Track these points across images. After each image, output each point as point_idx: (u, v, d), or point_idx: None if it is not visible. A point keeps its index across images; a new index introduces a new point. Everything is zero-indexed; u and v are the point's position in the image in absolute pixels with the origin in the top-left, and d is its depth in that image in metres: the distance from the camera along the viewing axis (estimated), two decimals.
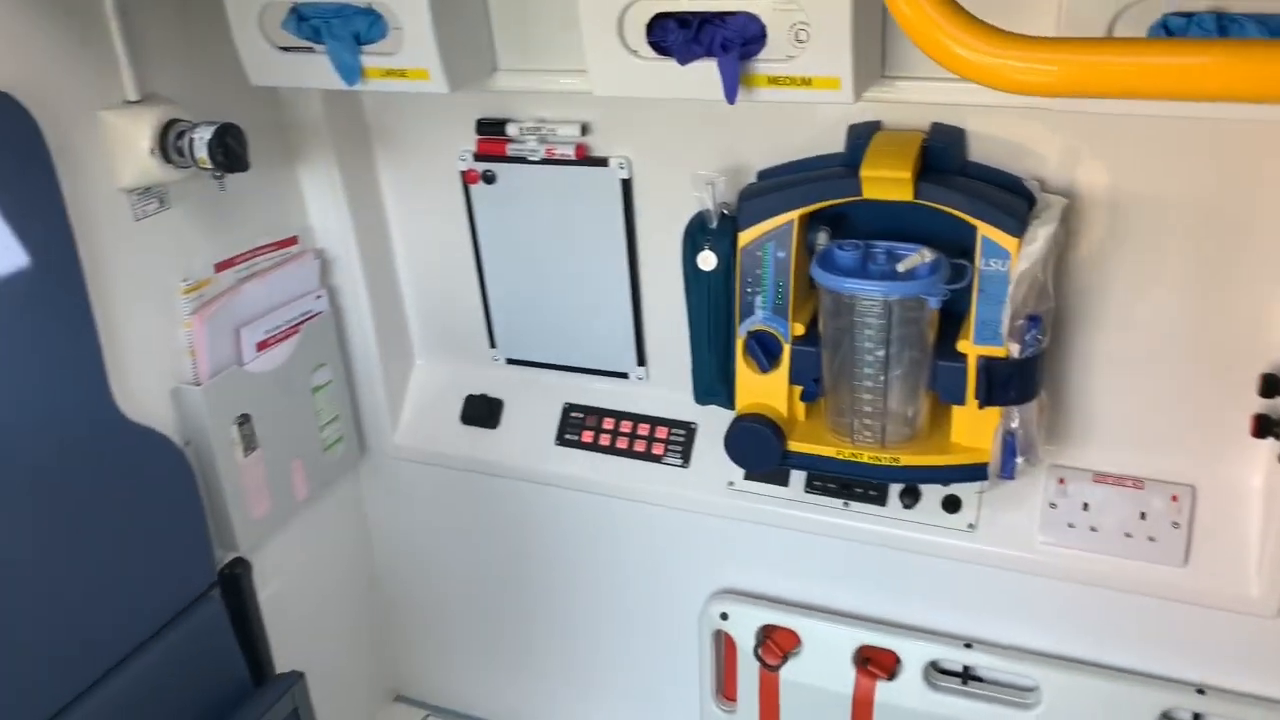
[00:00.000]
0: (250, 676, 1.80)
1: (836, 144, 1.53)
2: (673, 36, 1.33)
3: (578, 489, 1.91)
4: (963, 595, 1.71)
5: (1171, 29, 1.15)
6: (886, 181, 1.40)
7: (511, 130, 1.73)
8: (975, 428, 1.50)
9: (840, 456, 1.55)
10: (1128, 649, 1.64)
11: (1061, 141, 1.44)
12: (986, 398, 1.44)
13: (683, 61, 1.33)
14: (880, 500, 1.70)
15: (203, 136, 1.46)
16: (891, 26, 1.32)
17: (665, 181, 1.68)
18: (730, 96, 1.31)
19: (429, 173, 1.85)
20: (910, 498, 1.67)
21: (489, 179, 1.80)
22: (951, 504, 1.66)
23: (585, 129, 1.69)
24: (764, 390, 1.58)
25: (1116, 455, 1.58)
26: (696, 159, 1.63)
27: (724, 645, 1.90)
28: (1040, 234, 1.36)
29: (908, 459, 1.52)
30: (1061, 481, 1.61)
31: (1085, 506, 1.59)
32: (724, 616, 1.85)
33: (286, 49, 1.55)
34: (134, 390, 1.59)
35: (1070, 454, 1.61)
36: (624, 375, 1.88)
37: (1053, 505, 1.61)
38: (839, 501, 1.72)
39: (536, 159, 1.73)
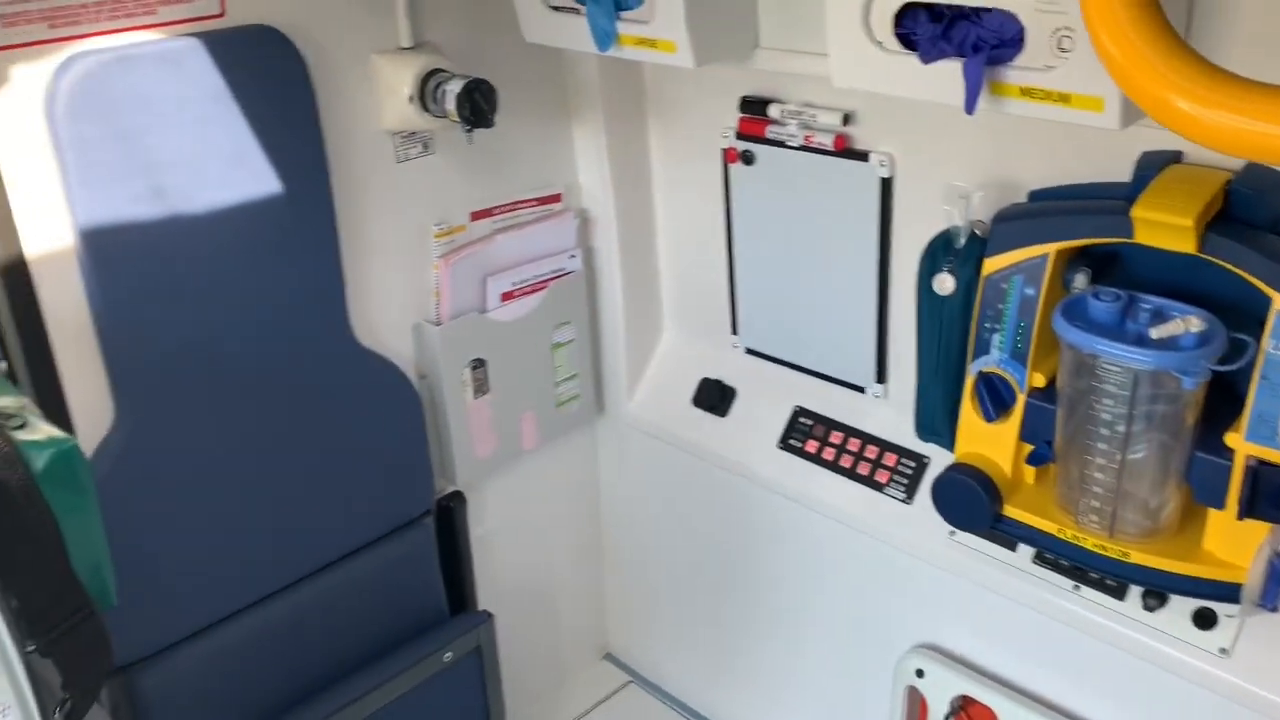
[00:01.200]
0: (448, 607, 1.88)
1: (1127, 171, 1.28)
2: (921, 30, 1.17)
3: (791, 498, 1.80)
4: None
5: None
6: (1162, 227, 1.15)
7: (773, 111, 1.62)
8: (1235, 540, 1.22)
9: (1061, 535, 1.33)
10: None
11: None
12: (1249, 508, 1.16)
13: (926, 59, 1.16)
14: (1118, 594, 1.44)
15: (453, 89, 1.50)
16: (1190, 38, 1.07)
17: (929, 187, 1.50)
18: (969, 106, 1.12)
19: (694, 146, 1.78)
20: (1155, 600, 1.40)
21: (748, 159, 1.70)
22: (1204, 619, 1.37)
23: (848, 119, 1.55)
24: (988, 441, 1.39)
25: None
26: (963, 166, 1.44)
27: (917, 704, 1.72)
28: None
29: (1140, 556, 1.27)
30: None
31: None
32: (920, 673, 1.67)
33: (557, 8, 1.54)
34: (377, 321, 1.69)
35: None
36: (860, 389, 1.74)
37: None
38: (1069, 583, 1.48)
39: (795, 144, 1.61)
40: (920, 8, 1.17)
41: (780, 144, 1.64)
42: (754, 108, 1.65)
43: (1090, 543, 1.30)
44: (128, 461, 1.43)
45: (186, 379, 1.46)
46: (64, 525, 1.05)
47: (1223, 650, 1.35)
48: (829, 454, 1.77)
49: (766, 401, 1.86)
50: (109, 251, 1.35)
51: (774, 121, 1.63)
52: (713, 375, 1.93)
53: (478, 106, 1.50)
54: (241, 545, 1.57)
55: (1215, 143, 0.65)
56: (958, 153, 1.45)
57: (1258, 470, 1.15)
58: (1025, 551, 1.52)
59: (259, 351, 1.53)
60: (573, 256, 1.90)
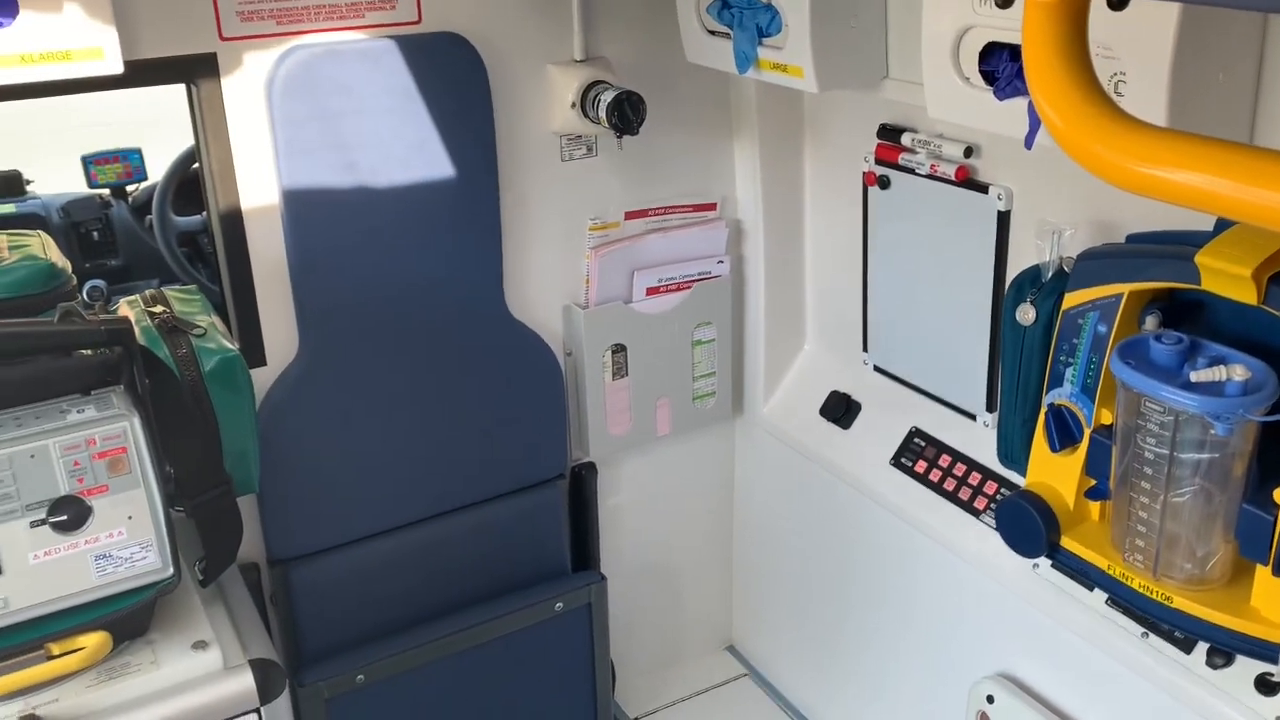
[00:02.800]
0: (571, 567, 2.08)
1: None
2: (1001, 68, 1.24)
3: (896, 514, 1.86)
4: None
5: None
6: (1224, 275, 1.17)
7: (905, 140, 1.70)
8: (1275, 595, 1.20)
9: (1110, 571, 1.34)
10: None
11: None
12: None
13: (1000, 97, 1.23)
14: (1185, 648, 1.42)
15: (606, 98, 1.69)
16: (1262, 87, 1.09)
17: (1076, 232, 1.54)
18: (1028, 142, 1.19)
19: (840, 168, 1.89)
20: (1221, 659, 1.38)
21: (884, 184, 1.79)
22: (1266, 685, 1.34)
23: (969, 151, 1.61)
24: (1054, 472, 1.42)
25: None
26: (1072, 204, 1.48)
27: None
28: None
29: (1183, 602, 1.27)
30: None
31: None
32: (990, 699, 1.70)
33: (713, 32, 1.70)
34: (530, 299, 1.91)
35: None
36: (972, 416, 1.78)
37: None
38: (1139, 630, 1.47)
39: (923, 172, 1.69)
40: (1003, 48, 1.24)
41: (911, 171, 1.72)
42: (890, 135, 1.74)
43: (1136, 582, 1.31)
44: (305, 388, 1.72)
45: (359, 326, 1.73)
46: (221, 417, 1.31)
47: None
48: (935, 475, 1.82)
49: (886, 419, 1.93)
50: (305, 211, 1.64)
51: (906, 149, 1.71)
52: (841, 389, 2.02)
53: (625, 115, 1.68)
54: (394, 475, 1.83)
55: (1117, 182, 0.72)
56: (1068, 191, 1.48)
57: None
58: (1100, 595, 1.53)
59: (422, 311, 1.78)
60: (720, 262, 2.04)
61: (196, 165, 2.79)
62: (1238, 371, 1.15)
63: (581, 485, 2.07)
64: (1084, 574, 1.41)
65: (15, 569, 1.13)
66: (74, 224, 2.84)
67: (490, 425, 1.90)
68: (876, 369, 1.96)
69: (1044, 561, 1.59)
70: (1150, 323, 1.29)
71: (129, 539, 1.19)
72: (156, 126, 3.05)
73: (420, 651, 1.83)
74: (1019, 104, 1.22)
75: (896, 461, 1.88)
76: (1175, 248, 1.26)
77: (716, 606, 2.42)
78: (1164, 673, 1.44)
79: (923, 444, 1.86)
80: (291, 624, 1.81)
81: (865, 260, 1.90)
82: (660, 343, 2.03)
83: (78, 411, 1.16)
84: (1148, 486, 1.26)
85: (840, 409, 2.00)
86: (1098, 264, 1.34)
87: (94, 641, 1.18)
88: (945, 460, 1.81)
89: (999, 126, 1.26)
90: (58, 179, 3.14)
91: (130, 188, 3.05)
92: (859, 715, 2.10)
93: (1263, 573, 1.22)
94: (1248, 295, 1.16)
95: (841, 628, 2.10)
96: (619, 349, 1.99)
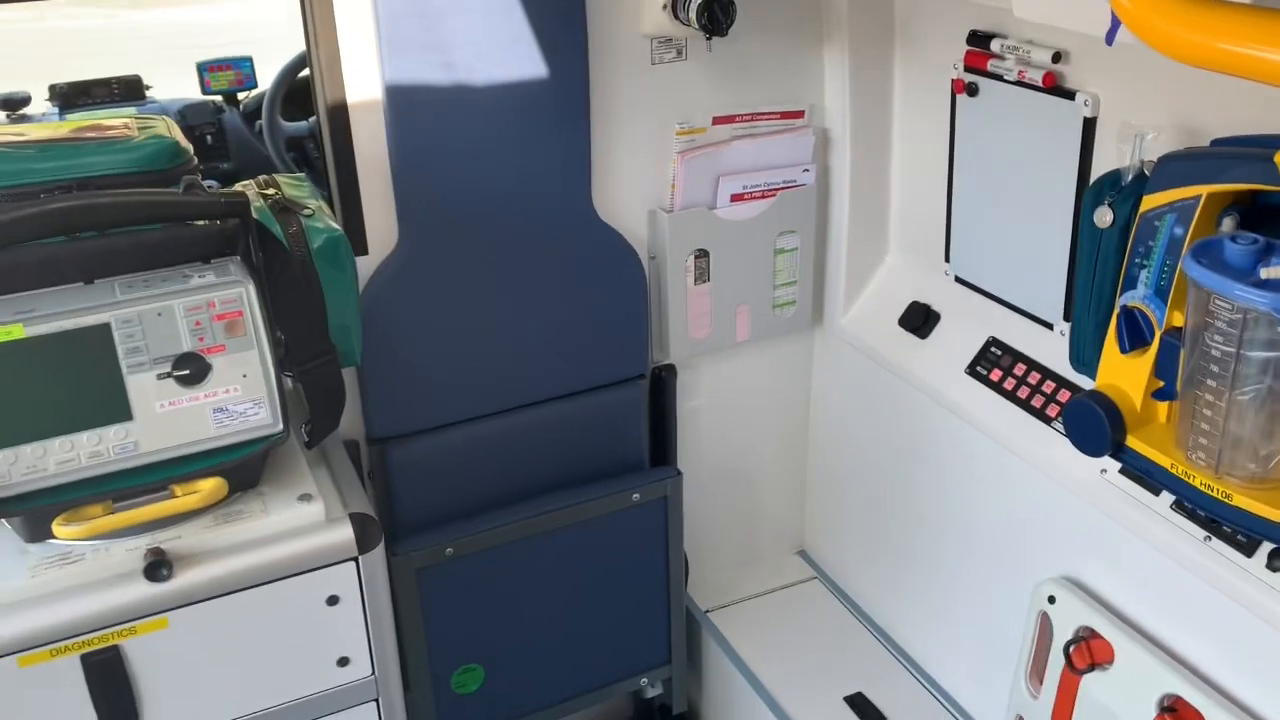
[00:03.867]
0: (649, 463, 2.16)
1: None
2: None
3: (968, 421, 1.90)
4: None
5: None
6: None
7: (995, 46, 1.71)
8: None
9: (1173, 470, 1.37)
10: None
11: None
12: None
13: None
14: (1247, 551, 1.45)
15: (696, 1, 1.72)
16: None
17: (1159, 135, 1.54)
18: (1109, 38, 1.19)
19: (930, 76, 1.90)
20: None
21: (972, 91, 1.80)
22: None
23: (1058, 57, 1.61)
24: (1124, 373, 1.44)
25: None
26: (1160, 109, 1.48)
27: (1047, 629, 1.78)
28: None
29: (1243, 499, 1.29)
30: None
31: None
32: (1051, 600, 1.74)
33: None
34: (617, 201, 1.97)
35: None
36: (1049, 325, 1.79)
37: None
38: (1201, 533, 1.50)
39: (1010, 79, 1.69)
40: None
41: (999, 78, 1.72)
42: (979, 41, 1.74)
43: (1198, 480, 1.34)
44: (403, 278, 1.82)
45: (453, 222, 1.82)
46: (326, 292, 1.41)
47: None
48: (1009, 384, 1.84)
49: (964, 329, 1.95)
50: (406, 108, 1.72)
51: (995, 56, 1.71)
52: (922, 299, 2.05)
53: (714, 16, 1.71)
54: (484, 365, 1.93)
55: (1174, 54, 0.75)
56: (1154, 96, 1.48)
57: None
58: (1166, 498, 1.55)
59: (513, 210, 1.86)
60: (806, 171, 2.07)
61: (303, 73, 2.94)
62: None
63: (662, 386, 2.15)
64: (1148, 474, 1.44)
65: (144, 416, 1.25)
66: (189, 128, 2.98)
67: (575, 323, 1.98)
68: (958, 279, 1.98)
69: (1112, 466, 1.62)
70: (1227, 224, 1.30)
71: (243, 395, 1.30)
72: (269, 45, 3.20)
73: (505, 530, 1.94)
74: (1102, 2, 1.23)
75: (972, 370, 1.91)
76: (1258, 150, 1.26)
77: (789, 512, 2.49)
78: (1225, 575, 1.47)
79: (999, 353, 1.88)
80: (386, 499, 1.94)
81: (951, 170, 1.91)
82: (743, 249, 2.08)
83: (199, 276, 1.27)
84: (1213, 384, 1.28)
85: (919, 319, 2.03)
86: (1177, 166, 1.34)
87: (211, 485, 1.30)
88: (1020, 369, 1.84)
89: (1082, 25, 1.26)
90: (175, 85, 3.30)
91: (241, 95, 3.19)
92: (924, 617, 2.16)
93: None
94: None
95: (911, 534, 2.15)
96: (701, 254, 2.04)
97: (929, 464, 2.05)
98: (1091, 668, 1.67)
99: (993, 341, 1.90)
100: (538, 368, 1.98)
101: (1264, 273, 1.18)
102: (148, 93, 3.17)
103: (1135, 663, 1.61)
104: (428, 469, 1.95)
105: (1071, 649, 1.70)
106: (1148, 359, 1.41)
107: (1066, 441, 1.68)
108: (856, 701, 2.11)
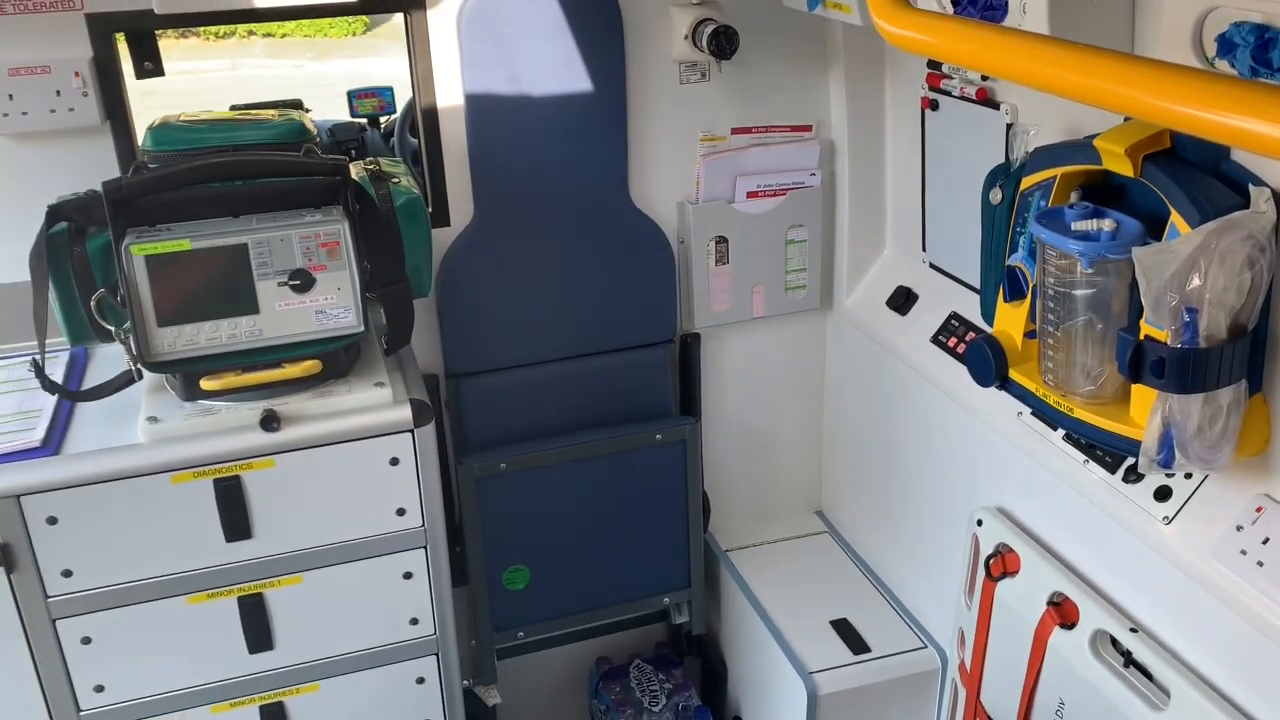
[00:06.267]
0: (676, 410, 2.60)
1: None
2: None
3: (932, 382, 2.27)
4: (1147, 581, 1.73)
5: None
6: (1110, 154, 1.54)
7: (945, 68, 2.11)
8: (1146, 407, 1.56)
9: (1036, 392, 1.73)
10: (1262, 698, 1.54)
11: None
12: (1132, 373, 1.51)
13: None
14: (1111, 468, 1.79)
15: (707, 30, 2.19)
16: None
17: (1038, 131, 1.92)
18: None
19: (909, 95, 2.30)
20: (1134, 475, 1.74)
21: (934, 107, 2.20)
22: (1162, 493, 1.69)
23: (986, 75, 2.00)
24: (1009, 320, 1.81)
25: None
26: (1053, 116, 1.85)
27: (976, 550, 2.13)
28: (1211, 228, 1.40)
29: (1081, 413, 1.65)
30: (1260, 510, 1.55)
31: (1266, 540, 1.52)
32: (980, 523, 2.09)
33: None
34: (650, 194, 2.44)
35: None
36: None
37: (1239, 528, 1.56)
38: (1081, 457, 1.85)
39: (956, 95, 2.09)
40: None
41: (949, 94, 2.12)
42: (935, 65, 2.14)
43: (1051, 399, 1.69)
44: (476, 246, 2.33)
45: (517, 204, 2.32)
46: (405, 238, 1.91)
47: (1166, 519, 1.67)
48: (962, 349, 2.21)
49: (934, 306, 2.33)
50: (481, 112, 2.24)
51: (945, 76, 2.12)
52: (905, 284, 2.44)
53: (720, 44, 2.18)
54: (540, 320, 2.42)
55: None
56: (1052, 107, 1.86)
57: (1141, 343, 1.50)
58: (1060, 432, 1.90)
59: (566, 197, 2.35)
60: (813, 175, 2.50)
61: None
62: (1106, 223, 1.53)
63: (688, 350, 2.59)
64: (1022, 398, 1.80)
65: (267, 311, 1.78)
66: (338, 142, 3.61)
67: (615, 291, 2.45)
68: (931, 265, 2.36)
69: (1026, 410, 1.98)
70: (1073, 197, 1.67)
71: (337, 302, 1.81)
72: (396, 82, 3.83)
73: (549, 454, 2.42)
74: None
75: (935, 339, 2.29)
76: (1087, 140, 1.64)
77: (807, 474, 2.87)
78: (1096, 490, 1.81)
79: (957, 324, 2.25)
80: (460, 423, 2.44)
81: (924, 172, 2.31)
82: (757, 238, 2.51)
83: (310, 216, 1.79)
84: (1053, 319, 1.64)
85: (901, 299, 2.42)
86: (1043, 154, 1.72)
87: (309, 364, 1.82)
88: (971, 336, 2.20)
89: None
90: (329, 109, 3.96)
91: (382, 118, 3.82)
92: (903, 551, 2.52)
93: (1138, 388, 1.58)
94: (1125, 169, 1.53)
95: (906, 495, 2.51)
96: (721, 240, 2.49)
97: (907, 424, 2.42)
98: (1004, 575, 2.02)
99: (953, 315, 2.27)
100: (583, 326, 2.46)
101: (1075, 225, 1.55)
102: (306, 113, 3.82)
103: (1033, 569, 1.96)
104: (491, 402, 2.44)
105: (990, 561, 2.05)
106: (1024, 308, 1.77)
107: (999, 395, 2.05)
108: (839, 625, 2.48)
